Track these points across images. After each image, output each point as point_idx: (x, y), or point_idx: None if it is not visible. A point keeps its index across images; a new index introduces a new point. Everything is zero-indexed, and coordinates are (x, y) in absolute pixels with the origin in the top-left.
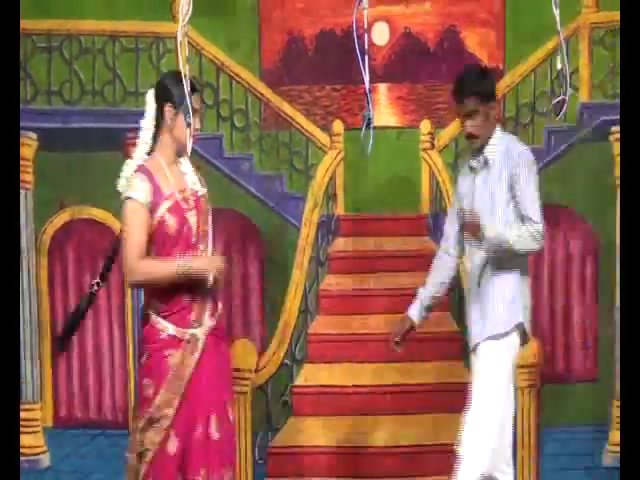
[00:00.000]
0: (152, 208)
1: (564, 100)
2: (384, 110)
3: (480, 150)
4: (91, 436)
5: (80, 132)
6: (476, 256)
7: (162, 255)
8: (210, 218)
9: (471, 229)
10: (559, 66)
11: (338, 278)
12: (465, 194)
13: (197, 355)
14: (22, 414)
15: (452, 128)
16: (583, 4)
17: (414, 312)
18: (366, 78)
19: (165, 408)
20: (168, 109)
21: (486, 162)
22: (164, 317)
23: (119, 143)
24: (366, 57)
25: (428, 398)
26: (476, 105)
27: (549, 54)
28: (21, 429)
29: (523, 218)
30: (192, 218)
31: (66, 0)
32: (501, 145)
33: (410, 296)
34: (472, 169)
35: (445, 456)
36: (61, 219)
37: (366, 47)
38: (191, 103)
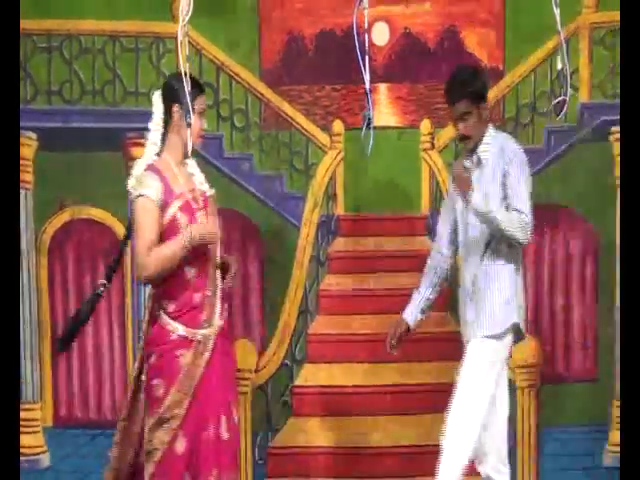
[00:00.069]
0: (163, 207)
1: (564, 100)
2: (384, 110)
3: (473, 150)
4: (91, 436)
5: (80, 132)
6: (470, 256)
7: (168, 269)
8: (217, 218)
9: (460, 184)
10: (559, 66)
11: (338, 278)
12: (459, 196)
13: (207, 355)
14: (22, 414)
15: (452, 128)
16: (583, 4)
17: (409, 315)
18: (366, 78)
19: (175, 408)
20: (176, 110)
21: (479, 161)
22: (174, 318)
23: (119, 143)
24: (366, 57)
25: (428, 398)
26: (468, 107)
27: (549, 54)
28: (21, 429)
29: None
30: (202, 218)
31: (66, 0)
32: (495, 144)
33: (410, 296)
34: (465, 168)
35: None
36: (61, 219)
37: (366, 47)
38: (191, 103)
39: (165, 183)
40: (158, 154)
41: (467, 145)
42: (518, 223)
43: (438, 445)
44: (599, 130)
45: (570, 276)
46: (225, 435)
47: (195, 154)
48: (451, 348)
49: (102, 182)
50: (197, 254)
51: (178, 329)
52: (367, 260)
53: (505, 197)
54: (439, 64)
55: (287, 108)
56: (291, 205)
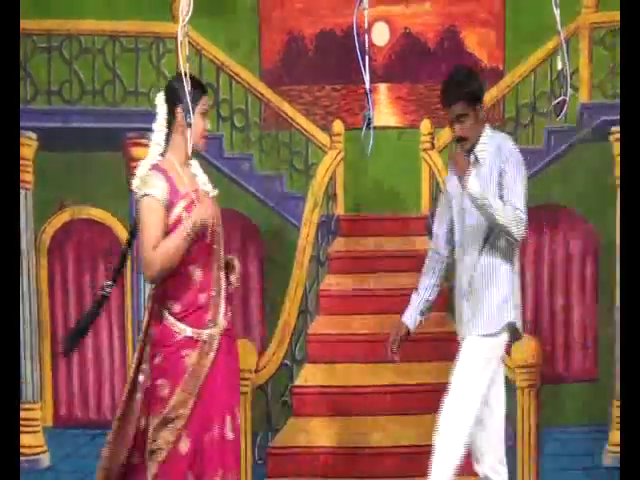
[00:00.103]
0: (168, 206)
1: (564, 100)
2: (384, 110)
3: (470, 150)
4: (91, 436)
5: (80, 132)
6: (467, 255)
7: (171, 264)
8: (220, 219)
9: (458, 166)
10: (559, 66)
11: (338, 278)
12: (454, 194)
13: (212, 355)
14: (22, 414)
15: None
16: (583, 4)
17: (408, 318)
18: (366, 78)
19: (180, 408)
20: (179, 111)
21: (476, 161)
22: (180, 319)
23: (119, 143)
24: (366, 57)
25: (428, 398)
26: (464, 109)
27: (549, 54)
28: (21, 429)
29: None
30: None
31: (66, 0)
32: (492, 144)
33: (410, 296)
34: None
35: None
36: (61, 219)
37: (366, 47)
38: (194, 103)
39: (170, 183)
40: (162, 155)
41: (464, 146)
42: (513, 217)
43: None
44: (599, 130)
45: (570, 276)
46: (230, 435)
47: (195, 154)
48: (451, 348)
49: (102, 182)
50: (202, 253)
51: (185, 330)
52: (367, 260)
53: (501, 197)
54: (439, 64)
55: (287, 108)
56: (291, 205)
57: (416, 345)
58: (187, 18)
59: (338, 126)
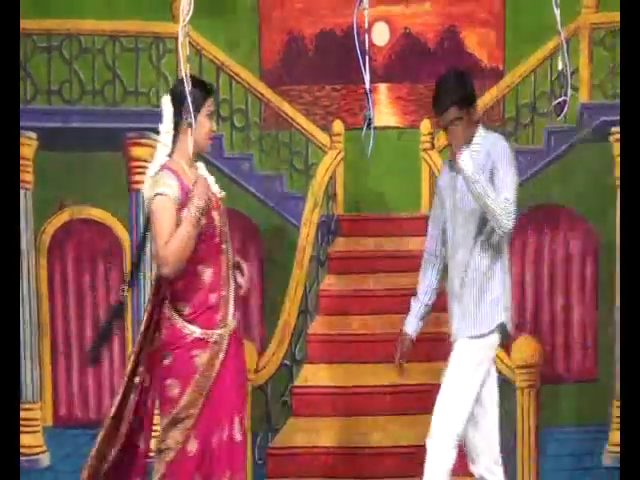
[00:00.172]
0: (180, 206)
1: (565, 101)
2: (384, 110)
3: None
4: (91, 436)
5: (80, 132)
6: (458, 254)
7: (185, 255)
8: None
9: (454, 137)
10: (560, 66)
11: (338, 278)
12: (447, 194)
13: (222, 355)
14: (22, 414)
15: None
16: (583, 4)
17: (410, 327)
18: (366, 78)
19: (190, 408)
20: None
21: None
22: (191, 320)
23: (119, 143)
24: (366, 57)
25: (428, 398)
26: (456, 113)
27: (549, 54)
28: (21, 429)
29: None
30: (216, 217)
31: (66, 0)
32: (485, 144)
33: (410, 296)
34: (453, 168)
35: None
36: (60, 219)
37: (366, 47)
38: (200, 104)
39: (181, 183)
40: (169, 156)
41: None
42: (503, 205)
43: None
44: (599, 130)
45: (570, 276)
46: (238, 437)
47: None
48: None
49: (102, 182)
50: (211, 252)
51: (195, 332)
52: (367, 260)
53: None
54: (439, 64)
55: (287, 108)
56: (291, 205)
57: (416, 345)
58: (187, 18)
59: (338, 126)
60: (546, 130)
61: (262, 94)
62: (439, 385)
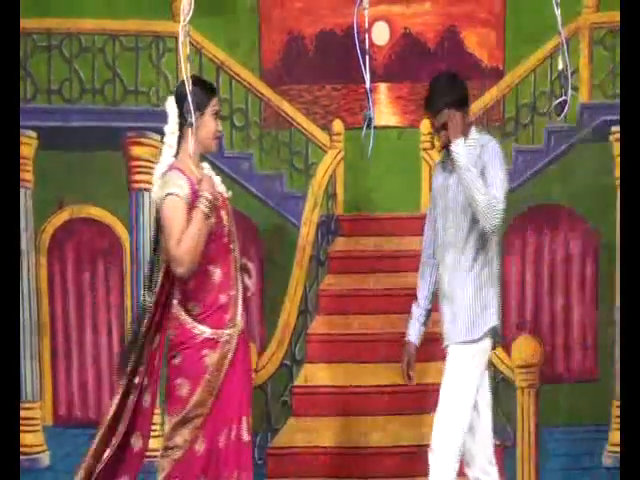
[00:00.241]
0: (191, 204)
1: (565, 101)
2: (384, 110)
3: None
4: (91, 435)
5: (80, 131)
6: (448, 255)
7: (198, 252)
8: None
9: (452, 128)
10: (560, 66)
11: (338, 278)
12: (440, 194)
13: (230, 355)
14: (22, 413)
15: None
16: (583, 4)
17: (413, 335)
18: (367, 78)
19: (200, 407)
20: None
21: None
22: (201, 320)
23: (119, 142)
24: (366, 57)
25: (428, 398)
26: (448, 116)
27: (549, 54)
28: (21, 428)
29: None
30: (224, 217)
31: None
32: (477, 146)
33: (410, 296)
34: (446, 169)
35: None
36: (60, 218)
37: (366, 47)
38: (202, 104)
39: (190, 181)
40: (175, 156)
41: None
42: (491, 201)
43: None
44: (599, 130)
45: (570, 276)
46: (246, 436)
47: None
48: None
49: (102, 181)
50: (220, 252)
51: (205, 332)
52: (367, 260)
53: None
54: (439, 64)
55: (287, 107)
56: (291, 205)
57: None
58: (188, 18)
59: (338, 126)
60: (546, 130)
61: (262, 93)
62: (439, 385)
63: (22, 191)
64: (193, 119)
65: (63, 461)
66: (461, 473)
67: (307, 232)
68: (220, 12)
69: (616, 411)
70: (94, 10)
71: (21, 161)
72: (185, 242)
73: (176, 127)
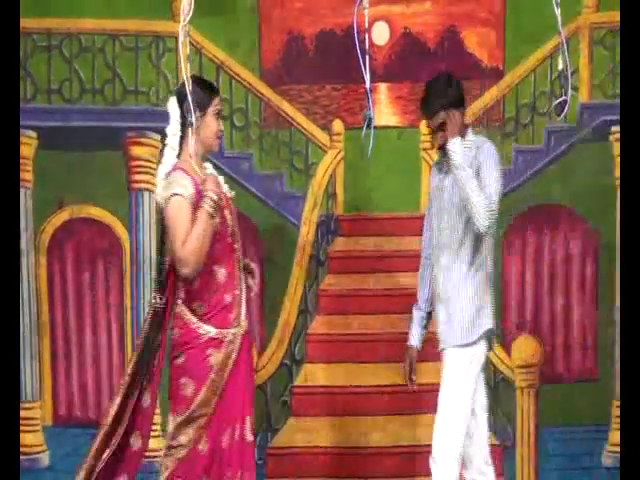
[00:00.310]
0: (195, 204)
1: (565, 101)
2: (384, 110)
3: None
4: (91, 435)
5: (80, 131)
6: (443, 257)
7: (203, 253)
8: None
9: (451, 126)
10: (560, 66)
11: (338, 278)
12: (435, 195)
13: (235, 355)
14: (22, 413)
15: None
16: (583, 4)
17: (415, 338)
18: (367, 77)
19: (204, 407)
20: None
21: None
22: (206, 320)
23: (119, 142)
24: (366, 57)
25: (428, 398)
26: (444, 117)
27: (549, 54)
28: (21, 428)
29: None
30: (228, 217)
31: None
32: (473, 147)
33: (410, 296)
34: (441, 170)
35: None
36: (60, 218)
37: (366, 47)
38: (204, 104)
39: (194, 182)
40: (177, 157)
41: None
42: (485, 201)
43: None
44: (599, 130)
45: (570, 276)
46: (249, 436)
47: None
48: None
49: (102, 181)
50: (225, 252)
51: (210, 332)
52: (367, 260)
53: None
54: (439, 64)
55: (287, 107)
56: (291, 204)
57: None
58: (188, 18)
59: (338, 125)
60: (546, 130)
61: (262, 93)
62: (439, 385)
63: (22, 191)
64: (193, 119)
65: (63, 461)
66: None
67: (307, 232)
68: (220, 12)
69: (616, 411)
70: (94, 10)
71: (21, 161)
72: (190, 243)
73: (178, 128)
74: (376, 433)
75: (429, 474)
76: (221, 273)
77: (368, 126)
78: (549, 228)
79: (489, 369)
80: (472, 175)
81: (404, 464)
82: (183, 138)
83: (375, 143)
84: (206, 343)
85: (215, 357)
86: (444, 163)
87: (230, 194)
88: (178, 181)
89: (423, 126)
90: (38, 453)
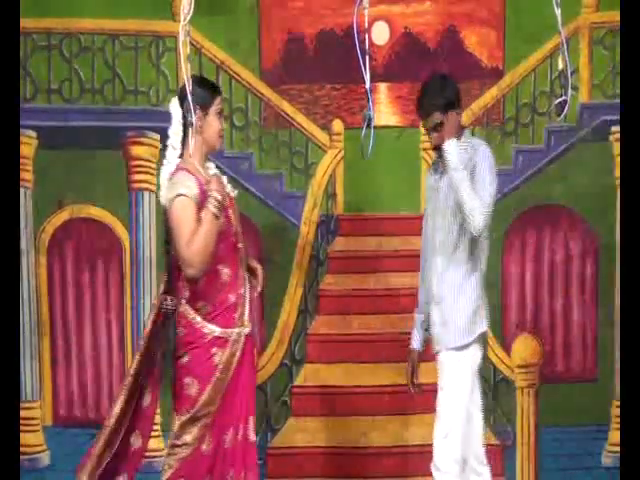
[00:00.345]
0: (199, 205)
1: (566, 101)
2: (384, 109)
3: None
4: (91, 435)
5: (80, 130)
6: (437, 259)
7: (209, 253)
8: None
9: (448, 130)
10: (560, 66)
11: (338, 278)
12: (431, 196)
13: (239, 354)
14: (22, 412)
15: None
16: (583, 4)
17: (416, 341)
18: (366, 77)
19: (209, 406)
20: (196, 113)
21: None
22: (210, 320)
23: (119, 142)
24: (366, 56)
25: (428, 398)
26: (439, 118)
27: (549, 54)
28: (21, 427)
29: None
30: (232, 216)
31: None
32: (468, 149)
33: (410, 296)
34: (437, 171)
35: None
36: (60, 218)
37: (366, 46)
38: (201, 103)
39: (199, 182)
40: (180, 157)
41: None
42: (478, 203)
43: None
44: (599, 130)
45: (570, 276)
46: (252, 436)
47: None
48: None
49: (102, 181)
50: (229, 252)
51: (215, 331)
52: (367, 260)
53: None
54: (439, 64)
55: (287, 107)
56: (291, 204)
57: None
58: (188, 17)
59: (338, 125)
60: (546, 130)
61: (262, 93)
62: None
63: (22, 191)
64: (193, 118)
65: (63, 461)
66: None
67: (307, 232)
68: (220, 12)
69: (616, 411)
70: (94, 10)
71: (21, 161)
72: (196, 243)
73: (180, 128)
74: (376, 433)
75: (429, 474)
76: (225, 273)
77: (368, 126)
78: (549, 228)
79: (489, 369)
80: (467, 177)
81: (404, 464)
82: (185, 138)
83: (375, 143)
84: (210, 342)
85: (219, 356)
86: (440, 164)
87: (233, 194)
88: (182, 182)
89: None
90: (38, 453)
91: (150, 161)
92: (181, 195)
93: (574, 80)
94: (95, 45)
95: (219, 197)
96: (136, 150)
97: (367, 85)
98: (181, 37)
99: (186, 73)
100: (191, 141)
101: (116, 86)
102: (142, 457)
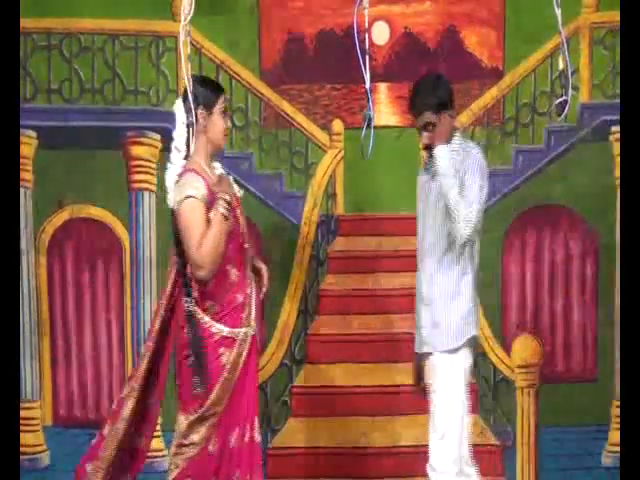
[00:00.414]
0: (208, 206)
1: (566, 101)
2: (384, 110)
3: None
4: (91, 435)
5: (80, 130)
6: (427, 260)
7: (219, 254)
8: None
9: (440, 133)
10: (561, 66)
11: (338, 278)
12: (421, 196)
13: (245, 354)
14: (22, 412)
15: None
16: (583, 4)
17: (418, 345)
18: (366, 77)
19: (217, 405)
20: (199, 113)
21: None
22: (218, 319)
23: (119, 142)
24: (366, 56)
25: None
26: (430, 117)
27: (549, 54)
28: (21, 427)
29: None
30: (240, 216)
31: None
32: (460, 152)
33: (410, 296)
34: (428, 171)
35: None
36: (60, 218)
37: (366, 46)
38: (210, 102)
39: (207, 182)
40: (185, 158)
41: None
42: (465, 210)
43: None
44: (599, 130)
45: (570, 276)
46: (258, 437)
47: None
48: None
49: (102, 181)
50: (236, 252)
51: (223, 331)
52: (367, 260)
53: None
54: (439, 64)
55: (287, 107)
56: (291, 204)
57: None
58: (189, 17)
59: (338, 125)
60: (546, 130)
61: (262, 93)
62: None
63: (22, 191)
64: (194, 118)
65: (63, 461)
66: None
67: (307, 232)
68: (220, 12)
69: (616, 411)
70: (94, 10)
71: (21, 161)
72: (206, 245)
73: (184, 129)
74: (376, 433)
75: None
76: (234, 273)
77: (368, 126)
78: (549, 228)
79: (489, 369)
80: (456, 184)
81: (404, 464)
82: (189, 139)
83: (375, 143)
84: (218, 342)
85: (227, 356)
86: (431, 164)
87: (240, 193)
88: (190, 183)
89: None
90: (38, 453)
91: (150, 161)
92: (190, 197)
93: (574, 80)
94: (95, 45)
95: (228, 198)
96: (136, 150)
97: (367, 85)
98: (181, 37)
99: (186, 73)
100: (192, 140)
101: (116, 86)
102: (144, 457)
